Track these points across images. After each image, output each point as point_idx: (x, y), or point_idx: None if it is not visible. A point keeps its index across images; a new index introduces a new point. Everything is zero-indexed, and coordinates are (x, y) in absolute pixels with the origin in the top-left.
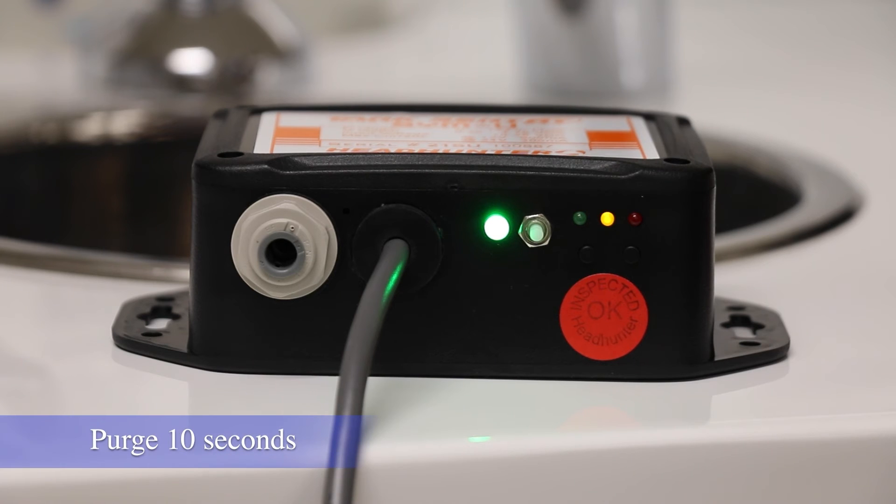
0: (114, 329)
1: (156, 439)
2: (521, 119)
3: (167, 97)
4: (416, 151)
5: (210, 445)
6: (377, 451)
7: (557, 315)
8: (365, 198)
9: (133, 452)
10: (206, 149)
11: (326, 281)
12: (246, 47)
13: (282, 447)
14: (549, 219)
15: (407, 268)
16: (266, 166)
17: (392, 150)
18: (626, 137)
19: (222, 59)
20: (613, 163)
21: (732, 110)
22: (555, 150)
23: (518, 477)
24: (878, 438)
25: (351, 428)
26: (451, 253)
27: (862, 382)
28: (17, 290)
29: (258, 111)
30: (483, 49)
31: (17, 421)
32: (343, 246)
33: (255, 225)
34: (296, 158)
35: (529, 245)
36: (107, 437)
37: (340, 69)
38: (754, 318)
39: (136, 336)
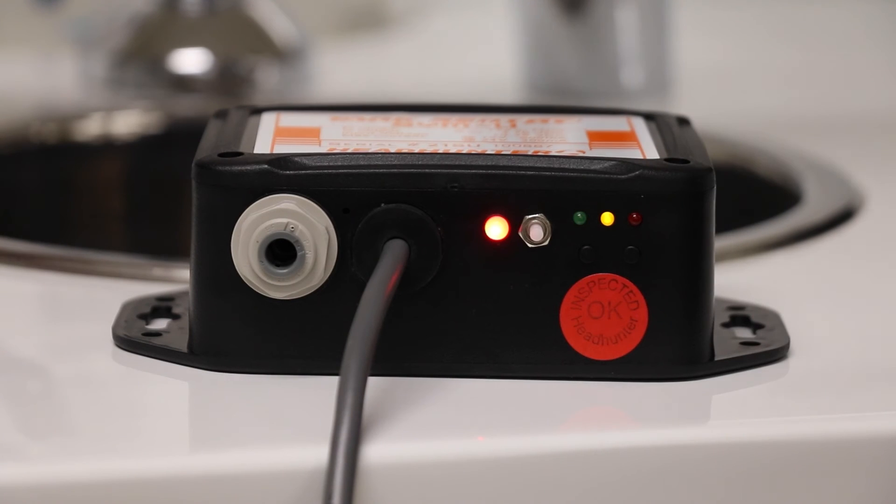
0: (114, 329)
1: (156, 439)
2: (521, 119)
3: (167, 97)
4: (416, 151)
5: (210, 445)
6: (377, 451)
7: (557, 315)
8: (365, 198)
9: (133, 452)
10: (206, 149)
11: (326, 281)
12: (246, 47)
13: (282, 447)
14: (549, 219)
15: (407, 268)
16: (266, 166)
17: (392, 150)
18: (626, 137)
19: (222, 59)
20: (613, 163)
21: (732, 110)
22: (555, 150)
23: (518, 477)
24: (878, 438)
25: (351, 428)
26: (451, 253)
27: (862, 382)
28: (17, 290)
29: (258, 111)
30: (483, 49)
31: (17, 421)
32: (343, 246)
33: (255, 225)
34: (296, 158)
35: (529, 245)
36: (107, 437)
37: (340, 69)
38: (754, 318)
39: (136, 336)
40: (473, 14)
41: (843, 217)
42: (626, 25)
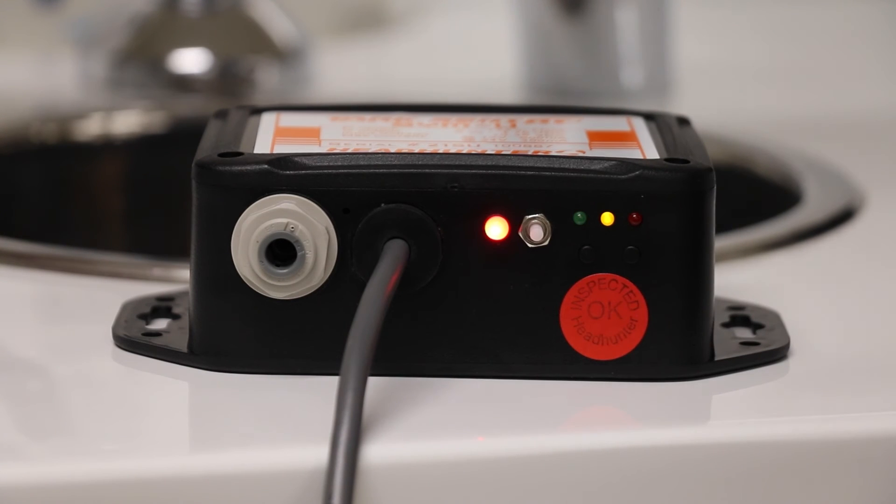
0: (114, 329)
1: (156, 439)
2: (521, 119)
3: (167, 97)
4: (416, 151)
5: (210, 445)
6: (377, 451)
7: (557, 315)
8: (365, 198)
9: (132, 452)
10: (206, 149)
11: (326, 281)
12: (246, 47)
13: (282, 447)
14: (549, 219)
15: (407, 268)
16: (266, 166)
17: (392, 150)
18: (626, 137)
19: (222, 59)
20: (613, 163)
21: (732, 110)
22: (555, 150)
23: (518, 477)
24: (878, 438)
25: (351, 428)
26: (451, 253)
27: (862, 382)
28: (17, 290)
29: (258, 111)
30: (483, 49)
31: (17, 421)
32: (343, 246)
33: (255, 225)
34: (296, 158)
35: (529, 245)
36: (107, 438)
37: (340, 69)
38: (754, 318)
39: (136, 336)
40: (473, 14)
41: (843, 217)
42: (626, 25)
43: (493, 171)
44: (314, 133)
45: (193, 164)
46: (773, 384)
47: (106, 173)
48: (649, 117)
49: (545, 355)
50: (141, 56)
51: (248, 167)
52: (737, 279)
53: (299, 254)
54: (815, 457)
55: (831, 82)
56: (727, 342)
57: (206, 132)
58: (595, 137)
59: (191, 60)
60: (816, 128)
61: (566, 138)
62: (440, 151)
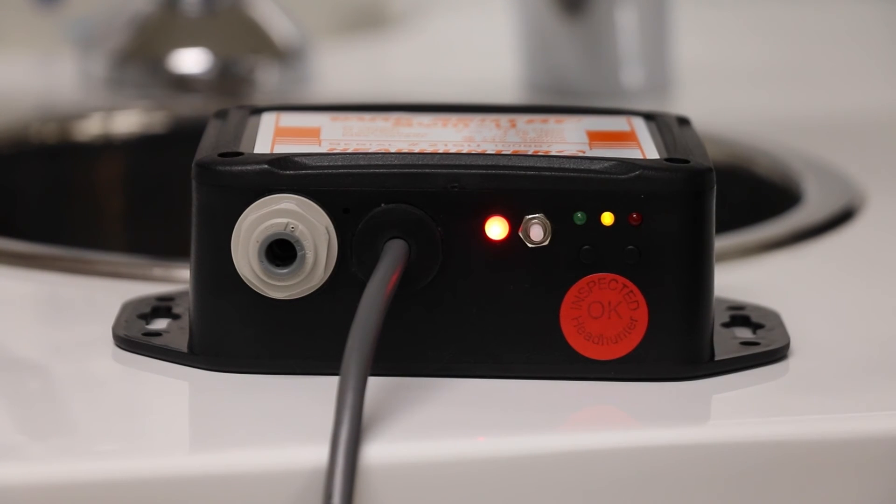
0: (114, 329)
1: (156, 439)
2: (521, 119)
3: (167, 97)
4: (416, 151)
5: (210, 445)
6: (377, 451)
7: (557, 315)
8: (365, 197)
9: (132, 452)
10: (206, 149)
11: (326, 281)
12: (246, 47)
13: (282, 447)
14: (549, 219)
15: (407, 268)
16: (266, 166)
17: (392, 150)
18: (626, 137)
19: (222, 59)
20: (613, 163)
21: (732, 110)
22: (555, 150)
23: (518, 477)
24: (878, 438)
25: (351, 428)
26: (451, 253)
27: (862, 382)
28: (17, 290)
29: (258, 111)
30: (483, 49)
31: (17, 421)
32: (343, 246)
33: (255, 225)
34: (296, 158)
35: (529, 245)
36: (107, 438)
37: (340, 69)
38: (754, 318)
39: (136, 336)
40: (473, 14)
41: (843, 217)
42: (626, 25)
43: (493, 171)
44: (314, 133)
45: (193, 164)
46: (773, 384)
47: (106, 173)
48: (649, 117)
49: (545, 355)
50: (141, 56)
51: (248, 167)
52: (737, 279)
53: (299, 254)
54: (815, 457)
55: (831, 82)
56: (727, 342)
57: (206, 132)
58: (595, 137)
59: (191, 60)
60: (816, 128)
61: (566, 138)
62: (440, 151)
